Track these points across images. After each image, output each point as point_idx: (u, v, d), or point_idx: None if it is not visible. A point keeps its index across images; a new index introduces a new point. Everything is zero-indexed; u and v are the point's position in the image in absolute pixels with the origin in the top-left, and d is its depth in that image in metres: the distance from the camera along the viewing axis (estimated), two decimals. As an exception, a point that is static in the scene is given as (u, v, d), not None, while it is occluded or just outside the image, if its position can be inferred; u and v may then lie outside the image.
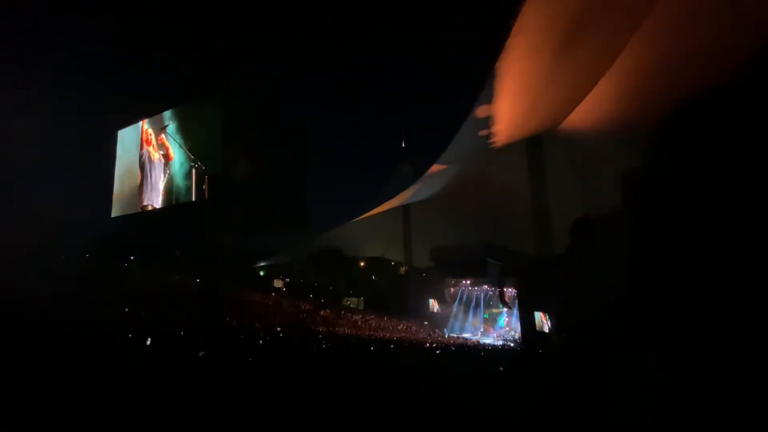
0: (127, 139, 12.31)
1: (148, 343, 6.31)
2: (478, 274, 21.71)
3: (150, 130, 11.60)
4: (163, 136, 11.04)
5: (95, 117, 16.06)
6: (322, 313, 20.13)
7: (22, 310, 7.35)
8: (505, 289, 21.57)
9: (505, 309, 22.80)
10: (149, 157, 11.44)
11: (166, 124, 11.07)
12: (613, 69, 12.41)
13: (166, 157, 10.89)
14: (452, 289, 24.83)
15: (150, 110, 11.55)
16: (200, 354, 5.56)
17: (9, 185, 13.82)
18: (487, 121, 16.48)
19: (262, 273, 30.41)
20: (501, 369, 7.25)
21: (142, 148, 11.70)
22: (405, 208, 28.98)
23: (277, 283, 27.94)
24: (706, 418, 1.55)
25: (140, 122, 11.81)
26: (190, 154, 10.18)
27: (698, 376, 1.55)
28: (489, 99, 14.78)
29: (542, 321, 15.21)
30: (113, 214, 12.31)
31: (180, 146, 10.51)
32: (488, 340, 20.99)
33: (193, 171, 10.02)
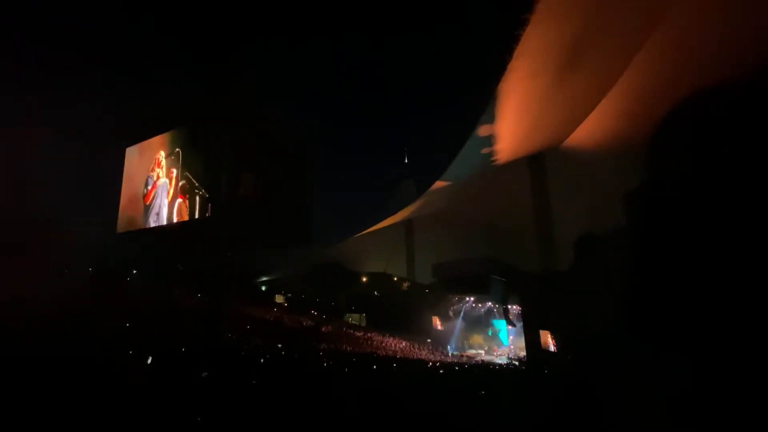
0: (134, 156, 12.51)
1: (149, 361, 6.27)
2: (482, 291, 21.47)
3: (158, 148, 11.79)
4: (170, 155, 11.22)
5: (103, 132, 16.36)
6: (324, 329, 19.93)
7: (25, 323, 7.35)
8: (509, 306, 21.32)
9: (509, 327, 22.50)
10: (156, 174, 11.60)
11: (173, 144, 11.27)
12: (614, 89, 12.59)
13: (174, 175, 11.04)
14: (455, 306, 24.58)
15: (158, 129, 11.75)
16: (203, 375, 5.52)
17: (14, 196, 13.98)
18: (490, 140, 16.67)
19: (264, 288, 30.30)
20: (506, 390, 7.12)
21: (149, 164, 11.87)
22: (408, 224, 28.97)
23: (279, 299, 27.80)
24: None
25: (148, 140, 12.02)
26: (193, 177, 10.30)
27: (708, 397, 1.53)
28: (492, 118, 14.99)
29: (548, 340, 14.97)
30: (119, 230, 12.39)
31: (186, 164, 10.66)
32: (492, 358, 20.65)
33: (197, 189, 10.13)
